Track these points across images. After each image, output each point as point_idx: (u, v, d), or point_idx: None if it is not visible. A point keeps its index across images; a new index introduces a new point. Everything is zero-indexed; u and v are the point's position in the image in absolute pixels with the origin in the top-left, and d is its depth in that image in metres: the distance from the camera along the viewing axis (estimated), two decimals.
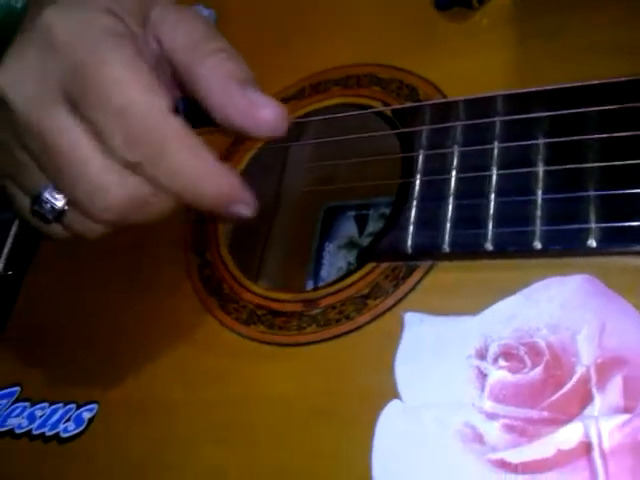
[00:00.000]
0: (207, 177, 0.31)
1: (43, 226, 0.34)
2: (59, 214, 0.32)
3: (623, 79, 0.36)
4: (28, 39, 0.31)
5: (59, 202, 0.32)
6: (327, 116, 0.46)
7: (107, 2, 0.31)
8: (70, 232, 0.34)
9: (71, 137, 0.30)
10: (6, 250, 0.53)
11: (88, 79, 0.29)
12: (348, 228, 0.54)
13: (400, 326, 0.36)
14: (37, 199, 0.32)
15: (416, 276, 0.37)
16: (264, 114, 0.31)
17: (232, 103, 0.31)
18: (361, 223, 0.54)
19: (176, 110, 0.31)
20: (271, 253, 0.52)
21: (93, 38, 0.30)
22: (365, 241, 0.53)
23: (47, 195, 0.32)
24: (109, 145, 0.30)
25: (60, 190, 0.32)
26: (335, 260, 0.54)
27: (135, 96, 0.29)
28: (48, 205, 0.32)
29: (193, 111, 0.32)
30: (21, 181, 0.33)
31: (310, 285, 0.52)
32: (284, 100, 0.48)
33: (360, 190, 0.52)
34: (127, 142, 0.29)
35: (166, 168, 0.30)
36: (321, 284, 0.50)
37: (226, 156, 0.48)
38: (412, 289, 0.37)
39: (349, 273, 0.39)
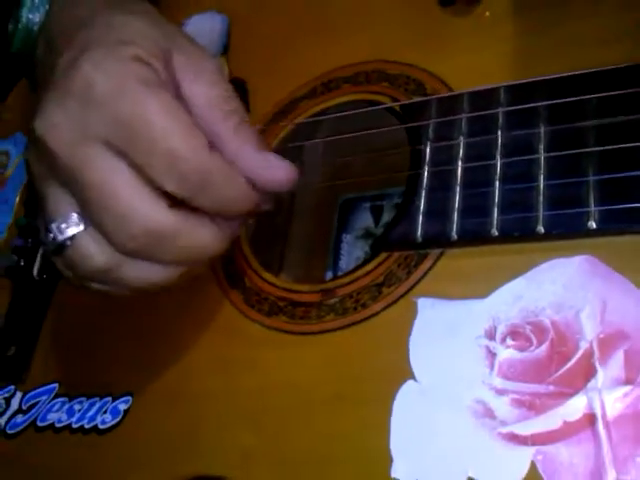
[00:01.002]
0: (244, 196, 0.35)
1: (50, 255, 0.36)
2: (60, 247, 0.34)
3: (621, 66, 0.37)
4: (67, 90, 0.33)
5: (61, 236, 0.34)
6: (339, 114, 0.47)
7: (134, 49, 0.33)
8: (71, 271, 0.36)
9: (107, 173, 0.32)
10: (40, 254, 0.55)
11: (134, 128, 0.31)
12: (364, 219, 0.56)
13: (413, 311, 0.37)
14: (47, 227, 0.35)
15: (427, 263, 0.38)
16: (280, 175, 0.35)
17: (252, 166, 0.35)
18: (376, 214, 0.55)
19: None
20: (291, 247, 0.54)
21: (131, 89, 0.32)
22: (381, 231, 0.54)
23: (53, 226, 0.34)
24: (157, 183, 0.32)
25: (88, 219, 0.33)
26: (353, 250, 0.55)
27: (180, 139, 0.32)
28: (51, 235, 0.34)
29: None
30: (43, 208, 0.36)
31: (329, 276, 0.54)
32: (298, 99, 0.50)
33: (374, 182, 0.53)
34: (177, 181, 0.32)
35: (211, 197, 0.33)
36: (341, 273, 0.52)
37: None
38: (424, 276, 0.38)
39: (363, 263, 0.41)
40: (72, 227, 0.34)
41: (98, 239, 0.34)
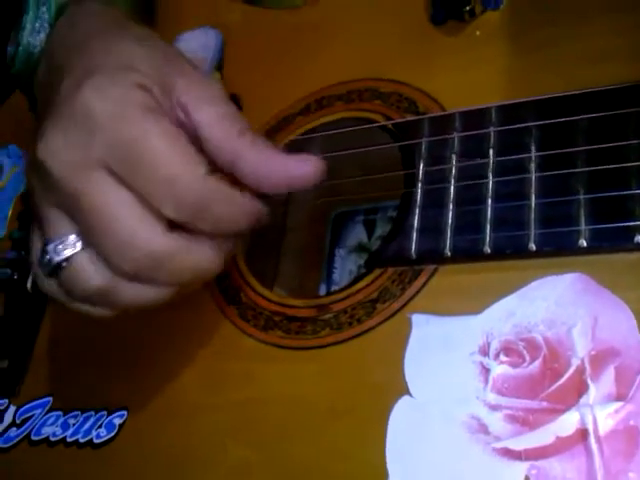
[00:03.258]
0: (242, 216, 0.35)
1: (42, 278, 0.36)
2: (55, 268, 0.34)
3: (611, 87, 0.38)
4: (68, 116, 0.33)
5: (58, 257, 0.34)
6: (332, 131, 0.48)
7: (136, 77, 0.34)
8: (65, 293, 0.36)
9: (107, 197, 0.32)
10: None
11: (134, 154, 0.32)
12: (357, 233, 0.56)
13: (408, 327, 0.38)
14: (44, 248, 0.35)
15: (421, 280, 0.39)
16: (307, 167, 0.35)
17: (277, 170, 0.35)
18: (369, 227, 0.56)
19: None
20: (285, 261, 0.54)
21: (133, 116, 0.32)
22: (374, 244, 0.55)
23: (50, 247, 0.34)
24: (157, 209, 0.32)
25: (88, 242, 0.34)
26: (346, 264, 0.56)
27: (179, 167, 0.32)
28: (47, 257, 0.34)
29: None
30: (40, 230, 0.36)
31: (323, 289, 0.54)
32: (292, 115, 0.50)
33: (367, 196, 0.54)
34: (176, 207, 0.32)
35: (209, 221, 0.34)
36: (333, 289, 0.52)
37: None
38: (418, 292, 0.39)
39: (358, 279, 0.41)
40: (69, 248, 0.34)
41: (96, 261, 0.34)
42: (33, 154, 0.34)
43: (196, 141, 0.35)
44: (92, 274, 0.34)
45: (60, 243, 0.34)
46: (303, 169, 0.35)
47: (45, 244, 0.35)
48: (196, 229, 0.34)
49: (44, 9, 0.44)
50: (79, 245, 0.34)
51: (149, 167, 0.32)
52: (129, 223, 0.32)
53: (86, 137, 0.32)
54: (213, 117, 0.35)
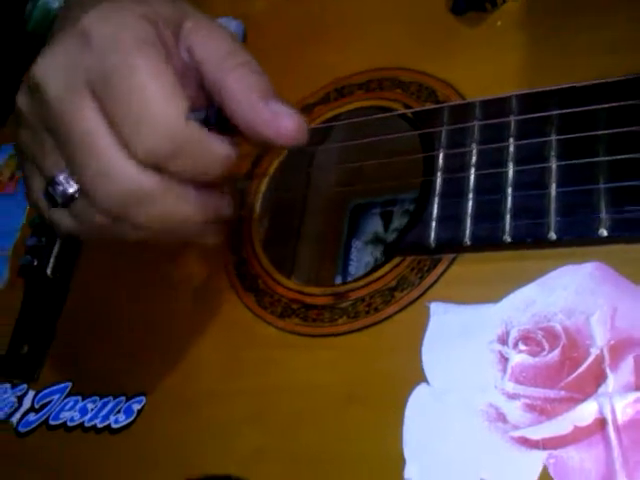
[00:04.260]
0: (217, 165, 0.34)
1: (48, 211, 0.35)
2: (69, 199, 0.34)
3: (631, 76, 0.37)
4: (65, 38, 0.33)
5: (71, 188, 0.33)
6: (353, 120, 0.48)
7: (144, 9, 0.33)
8: (76, 224, 0.35)
9: (90, 124, 0.32)
10: (54, 254, 0.56)
11: (114, 82, 0.31)
12: (374, 224, 0.56)
13: (426, 315, 0.38)
14: (52, 181, 0.34)
15: (440, 268, 0.39)
16: (286, 124, 0.33)
17: (256, 114, 0.33)
18: (386, 219, 0.56)
19: (207, 120, 0.34)
20: (302, 250, 0.54)
21: (125, 43, 0.32)
22: (390, 237, 0.55)
23: (61, 178, 0.33)
24: (126, 142, 0.32)
25: (72, 174, 0.33)
26: (362, 255, 0.56)
27: (155, 103, 0.31)
28: (60, 188, 0.34)
29: (223, 121, 0.34)
30: (41, 162, 0.35)
31: (339, 280, 0.54)
32: (312, 105, 0.50)
33: (385, 188, 0.54)
34: (143, 144, 0.31)
35: (181, 166, 0.32)
36: (350, 278, 0.53)
37: (255, 161, 0.51)
38: (436, 280, 0.39)
39: (377, 267, 0.42)
40: None
41: None
42: (30, 76, 0.33)
43: (199, 88, 0.34)
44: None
45: (69, 174, 0.33)
46: (282, 125, 0.33)
47: (56, 176, 0.34)
48: (170, 173, 0.33)
49: None
50: None
51: (125, 98, 0.31)
52: (106, 155, 0.32)
53: (80, 57, 0.32)
54: (213, 55, 0.34)
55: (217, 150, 0.33)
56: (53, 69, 0.33)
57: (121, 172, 0.32)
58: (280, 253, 0.51)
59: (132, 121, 0.31)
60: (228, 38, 0.35)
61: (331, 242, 0.56)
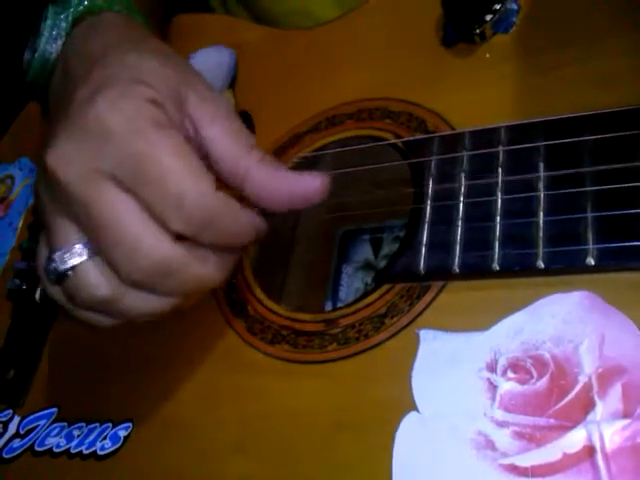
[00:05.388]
0: (246, 231, 0.36)
1: (47, 285, 0.37)
2: (61, 276, 0.35)
3: (618, 109, 0.38)
4: (81, 126, 0.34)
5: (62, 266, 0.34)
6: (343, 148, 0.48)
7: (149, 92, 0.34)
8: (69, 301, 0.36)
9: (120, 209, 0.33)
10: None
11: (144, 168, 0.32)
12: (364, 251, 0.57)
13: (415, 343, 0.38)
14: (50, 256, 0.35)
15: (429, 296, 0.39)
16: (314, 184, 0.36)
17: (286, 185, 0.36)
18: (376, 246, 0.56)
19: None
20: (292, 276, 0.54)
21: (144, 130, 0.33)
22: (380, 263, 0.55)
23: (56, 256, 0.35)
24: (163, 221, 0.33)
25: (94, 248, 0.34)
26: (352, 281, 0.56)
27: (189, 183, 0.33)
28: (54, 265, 0.35)
29: None
30: (47, 238, 0.36)
31: (329, 306, 0.54)
32: (303, 133, 0.51)
33: (374, 214, 0.54)
34: (184, 222, 0.33)
35: (215, 235, 0.34)
36: (340, 304, 0.53)
37: None
38: (426, 308, 0.39)
39: (367, 294, 0.42)
40: (75, 257, 0.34)
41: (102, 270, 0.34)
42: (43, 161, 0.34)
43: (203, 158, 0.35)
44: (98, 283, 0.34)
45: (66, 252, 0.34)
46: (307, 187, 0.36)
47: (51, 252, 0.35)
48: (201, 241, 0.34)
49: (62, 17, 0.45)
50: (85, 254, 0.34)
51: (158, 180, 0.32)
52: (136, 232, 0.33)
53: (98, 148, 0.33)
54: (223, 133, 0.36)
55: (247, 220, 0.36)
56: (65, 158, 0.34)
57: (156, 246, 0.33)
58: (270, 279, 0.51)
59: (168, 200, 0.33)
60: (233, 115, 0.37)
61: (321, 268, 0.57)
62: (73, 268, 0.34)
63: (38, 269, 0.37)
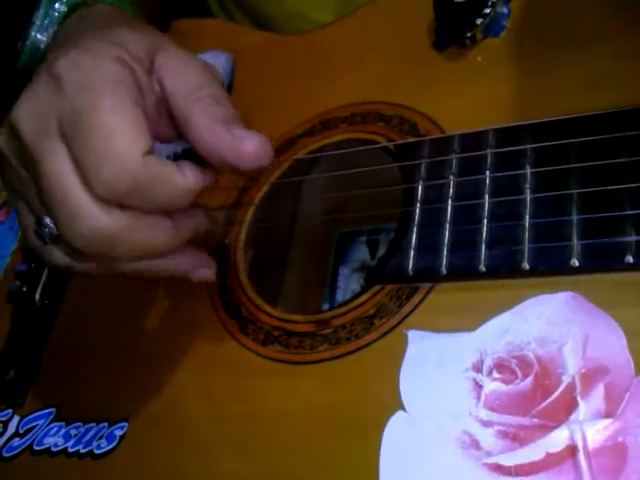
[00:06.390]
0: (180, 198, 0.34)
1: (41, 247, 0.36)
2: (56, 239, 0.35)
3: (605, 111, 0.38)
4: (40, 81, 0.34)
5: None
6: (336, 151, 0.49)
7: (117, 51, 0.34)
8: (66, 260, 0.36)
9: (58, 167, 0.33)
10: (42, 280, 0.57)
11: (80, 122, 0.32)
12: (360, 252, 0.57)
13: (404, 343, 0.38)
14: (39, 221, 0.35)
15: (418, 297, 0.40)
16: (247, 146, 0.34)
17: (218, 141, 0.34)
18: (372, 247, 0.57)
19: (177, 153, 0.35)
20: (289, 279, 0.55)
21: (95, 86, 0.32)
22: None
23: (48, 221, 0.35)
24: (87, 181, 0.32)
25: (49, 216, 0.34)
26: (349, 283, 0.56)
27: (115, 141, 0.32)
28: (46, 230, 0.35)
29: (192, 152, 0.35)
30: (29, 201, 0.36)
31: (326, 307, 0.55)
32: (297, 136, 0.51)
33: (370, 217, 0.55)
34: (101, 182, 0.32)
35: (141, 202, 0.33)
36: (333, 306, 0.53)
37: (242, 190, 0.52)
38: (414, 309, 0.39)
39: (357, 295, 0.42)
40: None
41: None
42: (9, 118, 0.34)
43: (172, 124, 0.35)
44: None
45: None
46: (244, 149, 0.34)
47: (41, 217, 0.35)
48: (131, 207, 0.33)
49: (56, 6, 0.45)
50: None
51: (88, 138, 0.32)
52: (71, 197, 0.32)
53: (52, 102, 0.33)
54: (182, 89, 0.35)
55: (178, 183, 0.34)
56: (27, 113, 0.34)
57: (86, 213, 0.32)
58: (266, 282, 0.51)
59: (93, 160, 0.32)
60: (198, 70, 0.36)
61: (318, 270, 0.57)
62: None
63: (25, 234, 0.37)
